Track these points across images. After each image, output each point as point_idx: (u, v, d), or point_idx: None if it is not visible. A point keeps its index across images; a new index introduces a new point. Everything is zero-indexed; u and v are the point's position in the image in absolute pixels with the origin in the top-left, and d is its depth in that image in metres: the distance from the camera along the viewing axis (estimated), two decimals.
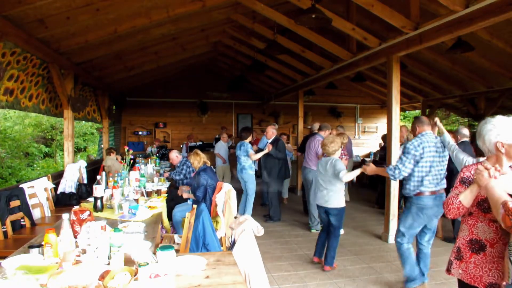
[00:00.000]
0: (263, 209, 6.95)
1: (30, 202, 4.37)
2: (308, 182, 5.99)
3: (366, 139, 12.82)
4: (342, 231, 5.65)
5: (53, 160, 17.34)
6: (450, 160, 3.64)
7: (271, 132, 6.34)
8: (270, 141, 6.30)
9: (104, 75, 7.52)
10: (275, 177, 6.29)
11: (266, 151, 6.10)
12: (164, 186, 4.93)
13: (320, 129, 6.03)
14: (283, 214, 6.63)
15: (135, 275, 1.67)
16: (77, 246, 2.11)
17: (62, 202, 5.22)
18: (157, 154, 9.37)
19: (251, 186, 6.23)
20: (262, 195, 7.03)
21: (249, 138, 6.35)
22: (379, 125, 12.73)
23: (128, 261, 1.93)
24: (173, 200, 4.97)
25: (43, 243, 2.01)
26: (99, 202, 3.44)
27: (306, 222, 6.26)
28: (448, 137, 3.63)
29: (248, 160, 6.18)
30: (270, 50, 6.20)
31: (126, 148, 4.90)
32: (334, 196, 4.04)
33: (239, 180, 6.39)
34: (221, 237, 3.75)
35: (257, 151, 6.27)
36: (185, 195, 4.95)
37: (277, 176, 6.32)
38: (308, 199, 5.94)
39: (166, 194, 4.49)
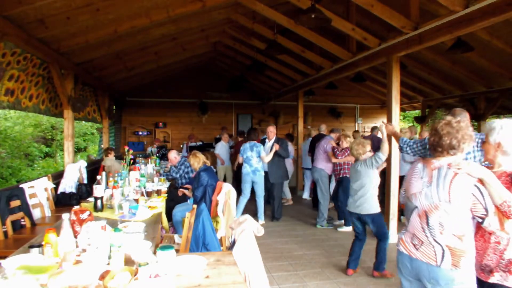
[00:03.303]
0: (268, 207, 6.91)
1: (30, 202, 4.37)
2: (316, 181, 6.25)
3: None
4: (348, 228, 5.76)
5: (53, 160, 17.34)
6: None
7: (273, 133, 6.37)
8: (272, 141, 6.32)
9: (104, 75, 7.52)
10: (280, 178, 6.36)
11: (273, 151, 6.11)
12: (164, 186, 4.93)
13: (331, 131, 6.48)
14: (285, 214, 6.69)
15: (135, 275, 1.67)
16: (77, 246, 2.11)
17: (62, 202, 5.21)
18: (157, 154, 9.37)
19: (261, 188, 6.13)
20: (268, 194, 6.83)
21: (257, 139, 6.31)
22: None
23: (128, 261, 1.93)
24: (173, 200, 4.97)
25: (43, 243, 2.02)
26: (99, 202, 3.44)
27: (305, 222, 6.29)
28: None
29: (260, 162, 6.09)
30: (270, 50, 6.21)
31: (126, 148, 4.90)
32: (367, 201, 3.89)
33: (244, 182, 6.17)
34: (221, 237, 3.76)
35: None
36: (185, 193, 5.01)
37: (282, 177, 6.41)
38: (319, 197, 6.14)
39: (166, 194, 4.49)
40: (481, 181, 1.80)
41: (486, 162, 2.07)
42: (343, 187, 5.82)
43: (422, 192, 1.98)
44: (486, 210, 1.78)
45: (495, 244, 1.92)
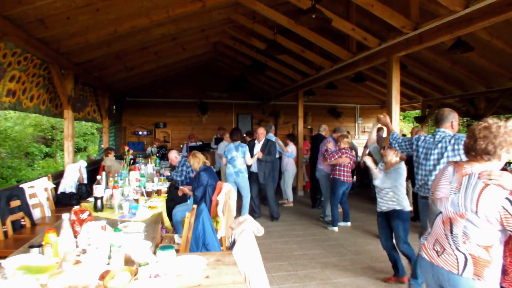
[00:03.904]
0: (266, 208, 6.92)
1: (31, 202, 4.37)
2: (318, 180, 6.51)
3: (366, 139, 12.83)
4: (335, 229, 5.82)
5: (54, 160, 17.34)
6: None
7: (263, 134, 6.43)
8: (262, 143, 6.36)
9: (104, 75, 7.52)
10: (268, 177, 6.41)
11: (256, 157, 6.18)
12: (164, 186, 4.93)
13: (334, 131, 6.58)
14: (284, 214, 6.71)
15: (135, 275, 1.67)
16: (77, 246, 2.11)
17: (62, 202, 5.21)
18: (157, 154, 9.37)
19: (247, 189, 6.10)
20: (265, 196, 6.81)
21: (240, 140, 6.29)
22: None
23: (128, 261, 1.93)
24: (173, 200, 4.97)
25: (43, 243, 2.02)
26: (99, 202, 3.44)
27: (305, 222, 6.30)
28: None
29: (244, 163, 6.04)
30: (270, 50, 6.21)
31: (126, 148, 4.90)
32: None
33: (227, 182, 6.03)
34: (221, 237, 3.76)
35: None
36: (186, 192, 5.01)
37: (270, 177, 6.46)
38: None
39: (166, 194, 4.49)
40: None
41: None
42: (332, 187, 5.93)
43: (449, 198, 1.88)
44: None
45: None
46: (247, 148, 6.10)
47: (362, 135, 12.86)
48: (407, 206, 3.70)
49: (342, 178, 5.72)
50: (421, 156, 3.24)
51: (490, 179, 1.72)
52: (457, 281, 1.82)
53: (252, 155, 6.27)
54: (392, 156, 3.78)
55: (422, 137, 3.30)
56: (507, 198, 1.67)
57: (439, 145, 3.09)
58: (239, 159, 5.99)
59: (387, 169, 3.78)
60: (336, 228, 5.81)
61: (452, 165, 1.96)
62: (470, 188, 1.78)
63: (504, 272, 1.88)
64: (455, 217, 1.83)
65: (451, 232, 1.85)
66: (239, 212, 5.97)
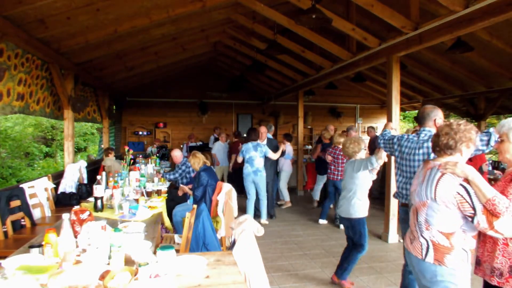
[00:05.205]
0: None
1: (31, 202, 4.37)
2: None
3: (366, 139, 12.80)
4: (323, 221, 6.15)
5: (54, 160, 17.34)
6: None
7: (266, 133, 6.43)
8: (265, 142, 6.38)
9: (104, 75, 7.52)
10: (272, 175, 6.51)
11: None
12: (164, 186, 4.93)
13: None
14: (284, 214, 6.74)
15: (135, 275, 1.67)
16: (77, 246, 2.11)
17: (63, 202, 5.21)
18: (157, 154, 9.37)
19: (264, 188, 6.05)
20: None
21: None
22: (379, 125, 12.72)
23: (128, 261, 1.93)
24: (173, 200, 4.97)
25: (43, 243, 2.02)
26: (99, 202, 3.44)
27: (305, 222, 6.29)
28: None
29: (262, 162, 5.99)
30: (270, 50, 6.21)
31: (126, 148, 4.90)
32: (348, 203, 3.58)
33: (246, 182, 6.05)
34: (221, 237, 3.76)
35: None
36: (186, 191, 5.01)
37: (274, 175, 6.60)
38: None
39: (166, 194, 4.49)
40: (467, 180, 1.83)
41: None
42: None
43: (416, 190, 2.08)
44: (474, 208, 1.79)
45: (504, 246, 1.82)
46: (266, 147, 6.07)
47: (362, 135, 12.84)
48: None
49: (328, 174, 6.05)
50: (405, 157, 2.95)
51: (445, 168, 1.88)
52: (421, 265, 1.99)
53: None
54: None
55: (405, 136, 3.01)
56: (461, 185, 1.83)
57: (425, 144, 2.81)
58: (257, 159, 5.96)
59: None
60: (323, 221, 6.14)
61: (423, 163, 2.17)
62: (431, 178, 1.95)
63: (478, 262, 1.96)
64: (419, 206, 2.01)
65: (417, 220, 2.04)
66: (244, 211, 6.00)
